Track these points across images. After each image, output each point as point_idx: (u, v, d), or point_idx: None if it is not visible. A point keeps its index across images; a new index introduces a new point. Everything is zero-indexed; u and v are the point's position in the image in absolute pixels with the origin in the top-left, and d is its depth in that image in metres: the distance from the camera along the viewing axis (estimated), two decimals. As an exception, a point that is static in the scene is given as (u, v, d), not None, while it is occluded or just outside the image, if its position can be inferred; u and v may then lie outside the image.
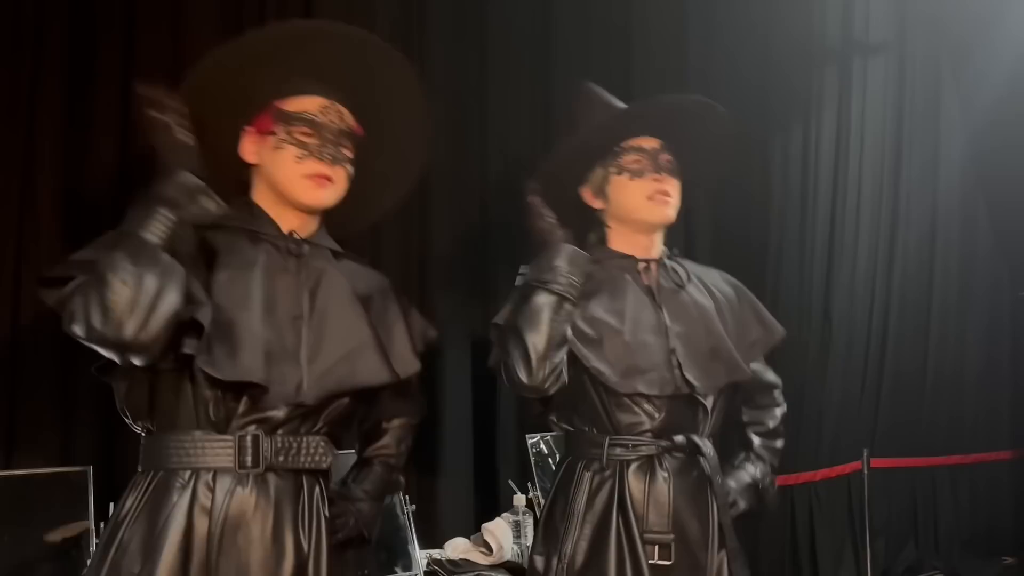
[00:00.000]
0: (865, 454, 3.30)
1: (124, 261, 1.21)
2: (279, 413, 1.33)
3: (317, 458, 1.36)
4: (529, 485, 2.52)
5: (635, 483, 1.55)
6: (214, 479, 1.30)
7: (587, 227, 1.73)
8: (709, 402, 1.61)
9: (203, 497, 1.29)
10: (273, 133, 1.41)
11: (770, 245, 3.14)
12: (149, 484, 1.31)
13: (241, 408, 1.32)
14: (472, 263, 2.79)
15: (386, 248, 2.60)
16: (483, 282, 2.75)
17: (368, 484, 1.52)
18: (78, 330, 1.22)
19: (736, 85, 3.06)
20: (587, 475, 1.58)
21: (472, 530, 2.52)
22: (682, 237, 3.00)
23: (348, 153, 1.44)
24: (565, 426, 1.65)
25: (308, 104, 1.42)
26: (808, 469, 3.15)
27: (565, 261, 1.55)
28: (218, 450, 1.30)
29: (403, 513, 2.29)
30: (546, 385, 1.53)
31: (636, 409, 1.58)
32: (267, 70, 1.41)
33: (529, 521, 2.40)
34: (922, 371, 3.56)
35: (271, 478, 1.32)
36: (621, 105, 1.74)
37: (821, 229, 3.22)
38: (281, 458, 1.33)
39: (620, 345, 1.58)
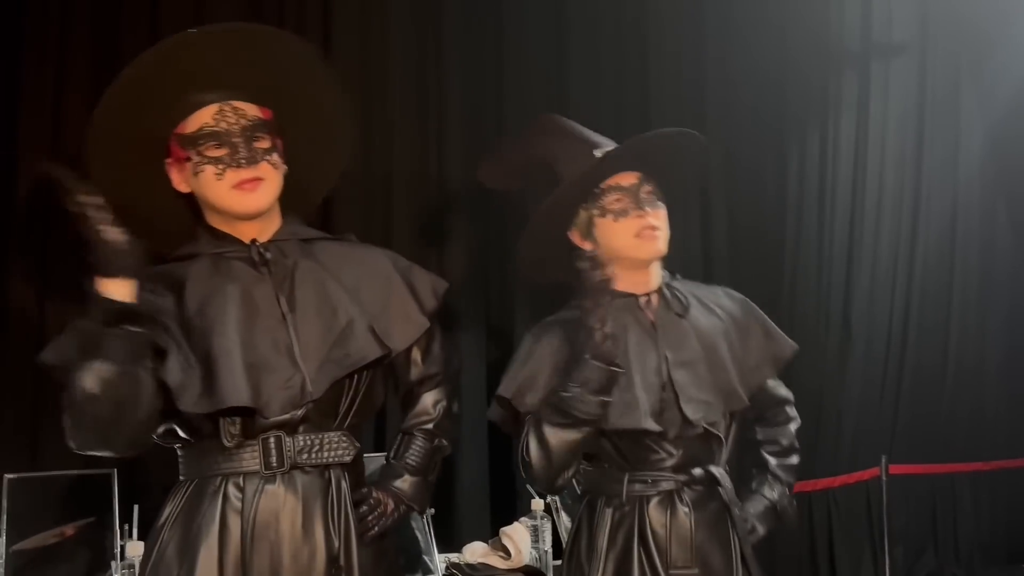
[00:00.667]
0: (883, 460, 3.28)
1: (91, 386, 1.23)
2: (296, 414, 1.36)
3: (340, 452, 1.38)
4: (547, 490, 2.52)
5: (656, 518, 1.57)
6: (243, 481, 1.34)
7: (569, 263, 1.74)
8: (723, 432, 1.62)
9: (234, 499, 1.33)
10: (188, 159, 1.40)
11: (787, 248, 3.13)
12: (185, 492, 1.36)
13: (258, 418, 1.35)
14: (489, 272, 2.80)
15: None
16: (499, 292, 2.76)
17: (410, 457, 1.50)
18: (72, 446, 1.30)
19: (755, 87, 3.06)
20: (608, 511, 1.60)
21: (489, 534, 2.52)
22: (699, 243, 3.00)
23: (264, 144, 1.41)
24: (584, 465, 1.66)
25: (203, 117, 1.40)
26: (827, 475, 3.14)
27: (598, 378, 1.52)
28: (245, 455, 1.34)
29: (421, 517, 2.29)
30: (559, 488, 1.60)
31: (655, 447, 1.60)
32: (153, 103, 1.39)
33: (547, 526, 2.40)
34: (942, 375, 3.53)
35: (297, 476, 1.35)
36: (590, 135, 1.73)
37: (840, 231, 3.20)
38: (305, 455, 1.36)
39: (625, 392, 1.59)
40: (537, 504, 2.44)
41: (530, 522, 2.42)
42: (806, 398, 3.09)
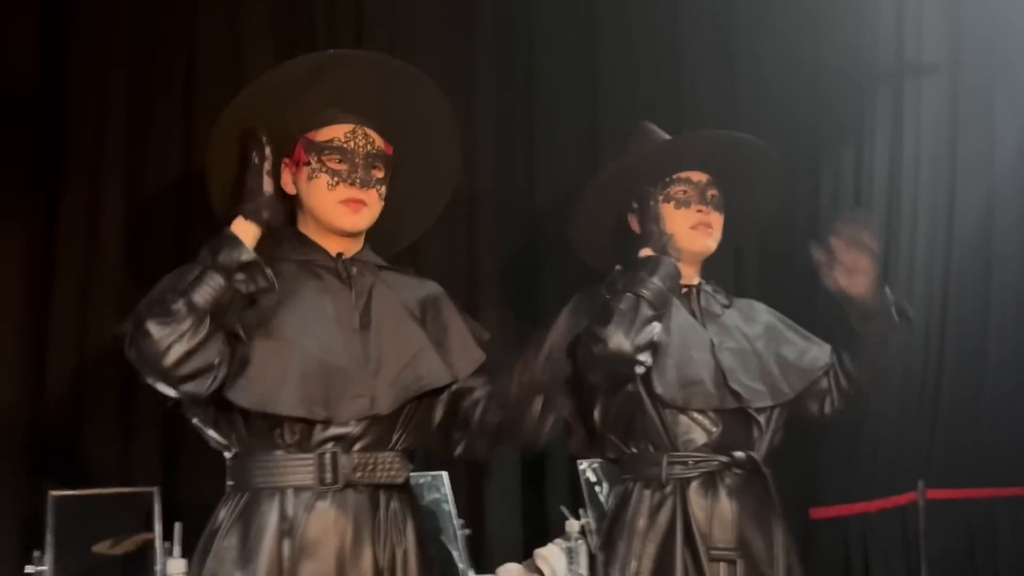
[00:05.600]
0: (920, 485, 3.23)
1: (173, 305, 1.32)
2: (355, 429, 1.39)
3: (393, 473, 1.42)
4: (581, 511, 2.52)
5: (697, 500, 1.58)
6: (296, 495, 1.37)
7: (627, 250, 1.77)
8: (763, 419, 1.62)
9: (287, 511, 1.36)
10: (307, 164, 1.48)
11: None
12: (239, 500, 1.40)
13: (317, 428, 1.37)
14: (520, 287, 2.81)
15: (433, 273, 2.63)
16: (531, 306, 2.77)
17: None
18: (130, 356, 1.35)
19: (788, 107, 3.06)
20: (647, 493, 1.61)
21: (522, 556, 2.52)
22: (731, 261, 2.99)
23: (379, 174, 1.50)
24: (620, 446, 1.66)
25: (336, 132, 1.49)
26: (863, 500, 3.10)
27: (663, 278, 1.58)
28: (299, 468, 1.38)
29: (457, 538, 2.30)
30: (639, 352, 1.55)
31: (692, 424, 1.61)
32: (295, 105, 1.48)
33: (583, 548, 2.40)
34: (979, 398, 3.47)
35: (349, 493, 1.39)
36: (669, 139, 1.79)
37: (873, 253, 3.18)
38: (359, 474, 1.39)
39: (671, 361, 1.61)
40: (572, 526, 2.43)
41: (565, 544, 2.42)
42: (842, 423, 3.08)
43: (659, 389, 1.60)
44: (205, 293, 1.32)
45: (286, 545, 1.34)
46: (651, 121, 2.89)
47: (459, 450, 1.54)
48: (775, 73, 3.07)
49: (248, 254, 1.36)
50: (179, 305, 1.30)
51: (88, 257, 2.38)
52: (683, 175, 1.72)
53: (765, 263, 3.06)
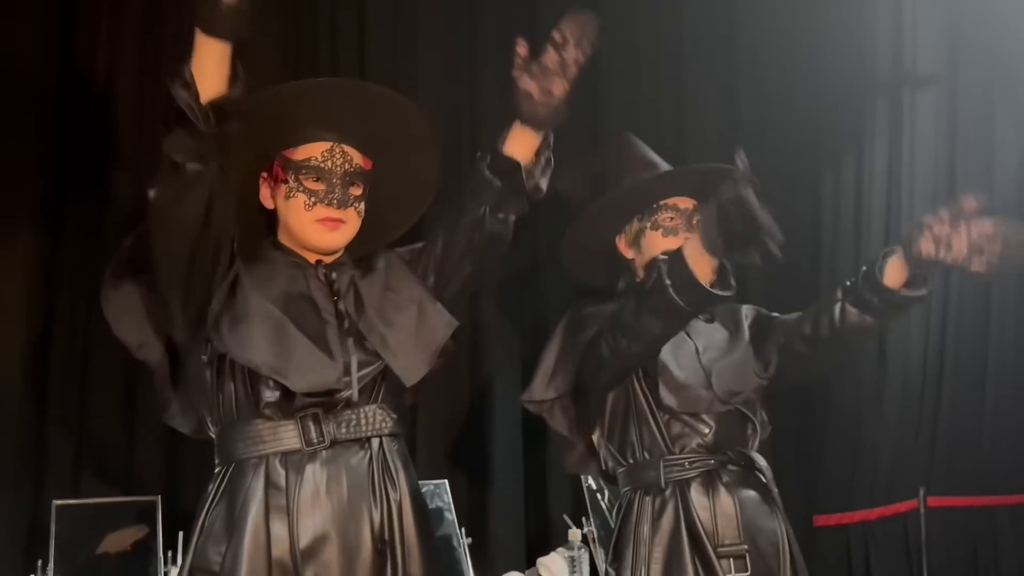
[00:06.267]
0: (921, 492, 3.23)
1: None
2: (342, 396, 1.41)
3: (378, 424, 1.42)
4: (583, 519, 2.52)
5: (699, 500, 1.60)
6: (284, 460, 1.37)
7: (615, 272, 1.82)
8: (757, 416, 1.66)
9: (276, 477, 1.36)
10: (285, 181, 1.48)
11: (822, 280, 3.12)
12: (225, 474, 1.39)
13: (298, 398, 1.39)
14: (522, 299, 2.82)
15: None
16: (533, 318, 2.78)
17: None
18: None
19: (788, 120, 3.07)
20: (647, 500, 1.63)
21: (524, 564, 2.52)
22: (735, 274, 3.00)
23: (357, 192, 1.50)
24: (617, 457, 1.68)
25: (314, 150, 1.49)
26: (864, 507, 3.10)
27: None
28: (282, 434, 1.38)
29: (459, 546, 2.30)
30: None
31: (686, 427, 1.63)
32: (275, 123, 1.48)
33: (585, 556, 2.40)
34: (980, 406, 3.48)
35: (339, 450, 1.39)
36: (658, 160, 1.84)
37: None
38: (344, 430, 1.40)
39: (666, 366, 1.65)
40: (574, 535, 2.44)
41: (567, 553, 2.42)
42: (843, 430, 3.08)
43: (659, 394, 1.63)
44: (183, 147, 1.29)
45: (281, 507, 1.34)
46: (655, 132, 2.94)
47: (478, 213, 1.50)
48: (775, 85, 3.09)
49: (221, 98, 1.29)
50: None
51: (92, 266, 2.40)
52: (671, 202, 1.76)
53: (769, 272, 3.06)
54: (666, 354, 1.67)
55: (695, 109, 2.99)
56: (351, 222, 1.50)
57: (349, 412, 1.40)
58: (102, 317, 2.31)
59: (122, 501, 2.12)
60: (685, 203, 1.76)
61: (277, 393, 1.38)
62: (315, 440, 1.37)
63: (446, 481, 2.42)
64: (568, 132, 2.81)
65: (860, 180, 3.19)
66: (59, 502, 2.06)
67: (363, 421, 1.41)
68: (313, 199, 1.47)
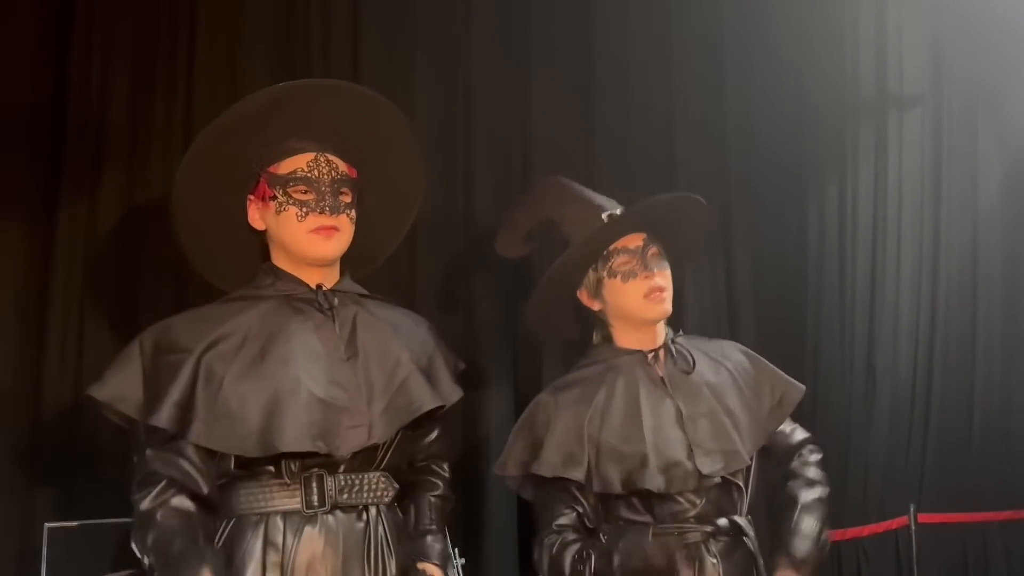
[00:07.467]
0: (912, 509, 3.25)
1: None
2: (345, 455, 1.39)
3: (379, 493, 1.43)
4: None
5: (685, 571, 1.59)
6: (283, 520, 1.37)
7: (589, 326, 1.81)
8: (743, 479, 1.65)
9: (274, 537, 1.37)
10: (274, 197, 1.47)
11: (809, 299, 3.15)
12: (225, 528, 1.40)
13: (308, 459, 1.39)
14: (517, 319, 2.83)
15: (428, 299, 2.64)
16: (528, 339, 2.79)
17: (433, 523, 1.57)
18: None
19: (774, 140, 3.11)
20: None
21: (517, 586, 2.52)
22: (724, 292, 3.03)
23: (347, 199, 1.49)
24: (602, 516, 1.68)
25: (298, 162, 1.47)
26: (855, 524, 3.12)
27: None
28: (285, 494, 1.39)
29: (454, 567, 2.30)
30: None
31: (678, 500, 1.62)
32: (254, 140, 1.47)
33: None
34: (969, 422, 3.51)
35: (338, 515, 1.39)
36: (594, 197, 1.81)
37: (861, 281, 3.23)
38: (345, 495, 1.40)
39: (650, 447, 1.64)
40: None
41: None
42: (832, 447, 3.09)
43: (646, 484, 1.63)
44: None
45: (276, 570, 1.34)
46: (644, 158, 2.95)
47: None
48: (759, 106, 3.13)
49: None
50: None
51: (84, 289, 2.40)
52: (620, 244, 1.73)
53: (759, 299, 3.07)
54: (649, 427, 1.64)
55: (681, 130, 3.01)
56: (345, 229, 1.48)
57: (352, 476, 1.40)
58: (95, 341, 2.34)
59: (114, 522, 2.11)
60: (634, 241, 1.72)
61: (297, 461, 1.39)
62: (316, 503, 1.37)
63: (439, 501, 2.41)
64: (562, 139, 2.86)
65: (844, 204, 3.23)
66: (51, 524, 2.05)
67: (365, 487, 1.41)
68: (305, 209, 1.45)
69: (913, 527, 3.21)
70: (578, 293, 1.78)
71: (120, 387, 1.39)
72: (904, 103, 3.35)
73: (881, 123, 3.31)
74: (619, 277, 1.71)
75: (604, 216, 1.74)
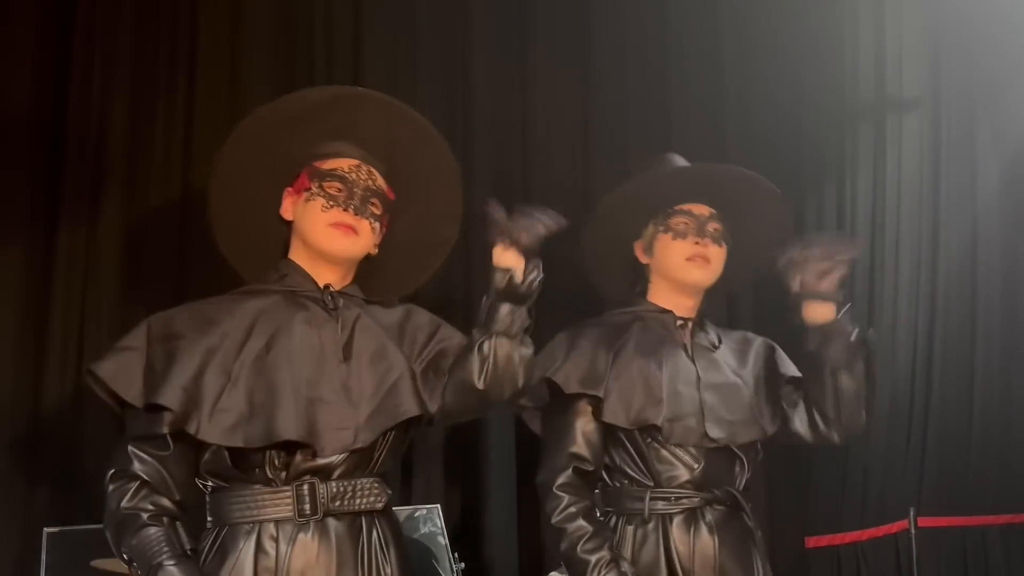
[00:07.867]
0: (912, 513, 3.24)
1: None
2: (335, 459, 1.39)
3: (372, 499, 1.42)
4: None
5: (679, 537, 1.59)
6: (276, 528, 1.37)
7: (634, 280, 1.81)
8: (746, 455, 1.65)
9: (267, 546, 1.36)
10: (308, 188, 1.49)
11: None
12: (217, 536, 1.39)
13: (298, 459, 1.39)
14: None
15: (428, 299, 2.63)
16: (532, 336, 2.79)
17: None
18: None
19: (773, 143, 3.11)
20: (629, 529, 1.62)
21: (517, 589, 2.52)
22: (723, 295, 3.03)
23: (376, 210, 1.51)
24: (604, 478, 1.68)
25: (341, 163, 1.50)
26: (855, 528, 3.11)
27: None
28: (277, 502, 1.38)
29: (453, 571, 2.30)
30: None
31: (675, 460, 1.62)
32: (303, 134, 1.49)
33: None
34: (968, 425, 3.51)
35: (331, 523, 1.38)
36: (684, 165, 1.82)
37: (860, 286, 3.23)
38: (338, 503, 1.39)
39: (663, 395, 1.63)
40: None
41: (560, 576, 2.42)
42: (832, 451, 3.08)
43: (653, 419, 1.63)
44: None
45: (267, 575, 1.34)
46: (644, 158, 2.93)
47: (439, 403, 1.50)
48: (758, 109, 3.13)
49: None
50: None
51: (84, 294, 2.40)
52: (685, 207, 1.74)
53: (758, 295, 3.07)
54: (666, 378, 1.65)
55: (680, 132, 3.01)
56: (364, 234, 1.49)
57: (345, 483, 1.39)
58: (94, 344, 2.35)
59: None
60: (700, 209, 1.74)
61: (282, 459, 1.38)
62: (308, 511, 1.37)
63: (438, 506, 2.42)
64: (561, 142, 2.86)
65: (843, 206, 3.23)
66: (50, 529, 2.05)
67: (358, 494, 1.40)
68: (331, 202, 1.47)
69: (913, 531, 3.21)
70: (635, 244, 1.78)
71: (121, 369, 1.38)
72: (903, 104, 3.36)
73: (880, 124, 3.31)
74: (671, 234, 1.74)
75: (675, 171, 1.77)
